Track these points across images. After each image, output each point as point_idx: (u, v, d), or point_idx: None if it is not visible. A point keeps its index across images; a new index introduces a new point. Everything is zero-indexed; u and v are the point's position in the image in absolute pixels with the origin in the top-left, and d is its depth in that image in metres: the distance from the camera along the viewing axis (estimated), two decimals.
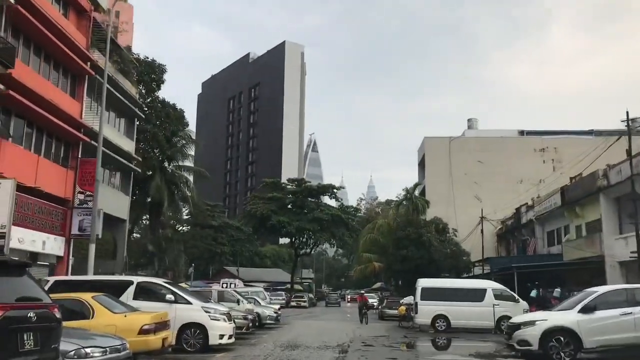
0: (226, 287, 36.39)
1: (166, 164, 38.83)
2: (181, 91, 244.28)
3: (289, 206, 70.24)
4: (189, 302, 14.35)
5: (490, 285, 23.96)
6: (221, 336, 14.62)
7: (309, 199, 69.22)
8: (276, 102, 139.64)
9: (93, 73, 25.29)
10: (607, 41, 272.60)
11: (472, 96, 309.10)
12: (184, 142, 39.01)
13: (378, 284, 60.70)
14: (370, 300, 58.23)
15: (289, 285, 71.37)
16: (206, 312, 14.56)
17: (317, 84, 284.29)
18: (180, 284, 19.94)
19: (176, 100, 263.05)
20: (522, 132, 59.86)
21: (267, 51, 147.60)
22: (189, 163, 40.24)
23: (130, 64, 31.64)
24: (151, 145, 36.70)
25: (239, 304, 22.31)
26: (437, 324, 23.55)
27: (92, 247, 20.44)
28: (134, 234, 40.34)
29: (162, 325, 11.71)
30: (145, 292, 14.08)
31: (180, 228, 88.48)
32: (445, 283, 25.41)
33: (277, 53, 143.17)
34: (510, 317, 19.09)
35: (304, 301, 52.93)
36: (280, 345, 16.86)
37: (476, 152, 56.17)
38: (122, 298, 13.13)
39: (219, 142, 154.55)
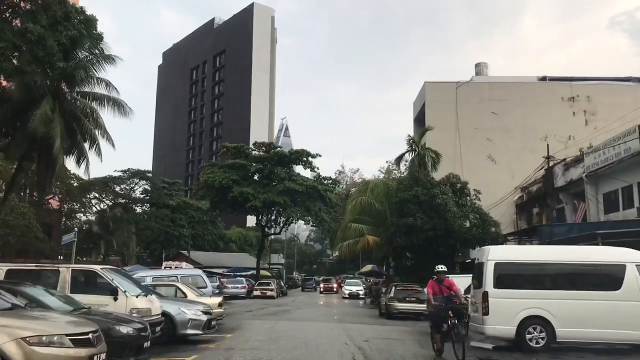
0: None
1: (64, 88, 26.08)
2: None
3: (255, 177, 57.94)
4: None
5: (632, 257, 12.16)
6: None
7: (279, 167, 56.92)
8: (244, 70, 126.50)
9: None
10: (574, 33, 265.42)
11: None
12: (91, 57, 26.24)
13: (368, 267, 48.79)
14: (351, 289, 47.28)
15: (255, 272, 59.24)
16: None
17: (288, 72, 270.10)
18: None
19: (143, 85, 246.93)
20: (543, 78, 48.38)
21: (234, 15, 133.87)
22: (101, 90, 27.34)
23: None
24: (35, 54, 23.85)
25: (117, 299, 10.29)
26: (529, 336, 11.80)
27: None
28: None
29: None
30: None
31: (133, 206, 77.62)
32: (541, 254, 13.13)
33: (245, 16, 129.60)
34: None
35: (271, 289, 40.81)
36: None
37: (489, 101, 44.69)
38: None
39: (180, 116, 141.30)
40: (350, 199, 38.10)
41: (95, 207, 74.23)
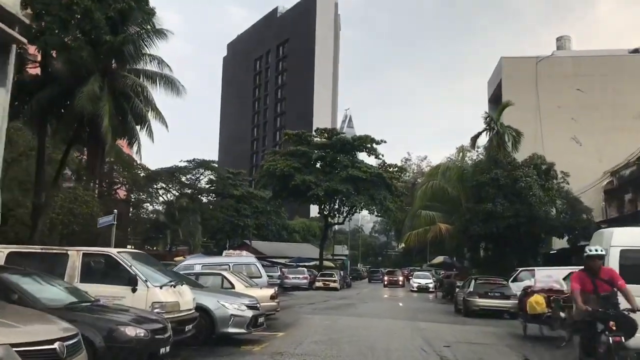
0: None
1: (114, 65, 24.66)
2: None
3: (317, 165, 55.83)
4: None
5: None
6: None
7: (342, 154, 54.50)
8: (307, 60, 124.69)
9: None
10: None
11: None
12: (142, 32, 24.66)
13: (440, 258, 45.57)
14: (420, 281, 44.26)
15: (317, 263, 57.26)
16: None
17: (352, 62, 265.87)
18: None
19: (209, 79, 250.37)
20: (635, 51, 43.36)
21: (297, 3, 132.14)
22: (153, 68, 25.78)
23: None
24: (82, 28, 22.48)
25: (136, 290, 8.20)
26: None
27: None
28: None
29: None
30: None
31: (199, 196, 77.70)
32: None
33: (308, 4, 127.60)
34: None
35: (334, 281, 38.55)
36: None
37: (573, 77, 40.37)
38: None
39: (244, 108, 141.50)
40: (420, 184, 35.17)
41: (163, 197, 75.01)
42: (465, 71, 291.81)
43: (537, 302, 12.28)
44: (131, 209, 67.48)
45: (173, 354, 7.73)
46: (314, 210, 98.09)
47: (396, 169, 57.59)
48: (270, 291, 14.63)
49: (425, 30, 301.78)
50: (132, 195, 63.44)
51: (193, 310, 9.27)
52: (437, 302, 29.31)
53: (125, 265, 8.52)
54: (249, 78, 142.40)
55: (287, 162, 52.92)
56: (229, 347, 10.07)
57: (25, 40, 15.64)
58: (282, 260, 56.08)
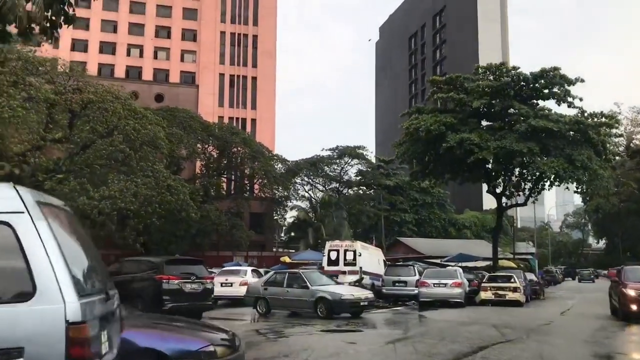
0: None
1: None
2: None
3: (481, 120, 39.13)
4: None
5: None
6: None
7: (516, 102, 36.90)
8: (468, 27, 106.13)
9: None
10: None
11: None
12: None
13: None
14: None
15: (491, 262, 39.95)
16: None
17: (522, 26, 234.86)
18: None
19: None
20: None
21: None
22: None
23: None
24: None
25: None
26: None
27: None
28: None
29: None
30: None
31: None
32: None
33: None
34: None
35: (514, 288, 21.64)
36: None
37: None
38: None
39: (400, 92, 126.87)
40: None
41: (308, 193, 65.52)
42: None
43: None
44: (276, 210, 58.89)
45: None
46: (487, 202, 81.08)
47: (603, 118, 37.82)
48: None
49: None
50: (265, 190, 54.47)
51: None
52: None
53: None
54: (403, 59, 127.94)
55: (435, 118, 36.84)
56: None
57: None
58: (437, 260, 40.69)
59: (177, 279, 13.32)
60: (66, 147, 30.66)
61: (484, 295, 21.94)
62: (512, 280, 22.39)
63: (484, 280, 23.69)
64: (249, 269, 22.00)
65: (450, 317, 15.81)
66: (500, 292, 21.65)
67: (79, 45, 65.25)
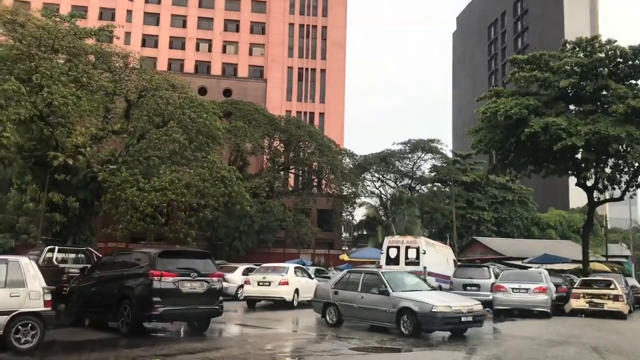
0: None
1: None
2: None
3: (570, 105, 34.68)
4: None
5: None
6: None
7: (612, 81, 32.25)
8: (553, 10, 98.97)
9: None
10: None
11: None
12: None
13: None
14: None
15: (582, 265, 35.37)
16: None
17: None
18: None
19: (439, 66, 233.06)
20: None
21: None
22: None
23: None
24: None
25: None
26: None
27: None
28: None
29: None
30: None
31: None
32: None
33: None
34: None
35: (614, 297, 17.79)
36: None
37: None
38: None
39: (479, 84, 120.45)
40: None
41: (378, 190, 63.09)
42: None
43: None
44: (345, 206, 56.87)
45: None
46: (574, 199, 74.84)
47: None
48: None
49: None
50: (332, 185, 52.86)
51: None
52: None
53: None
54: (482, 49, 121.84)
55: (517, 100, 32.90)
56: None
57: None
58: (518, 262, 36.84)
59: (173, 276, 10.73)
60: (122, 138, 30.03)
61: (576, 303, 18.24)
62: (612, 286, 18.48)
63: (575, 285, 19.90)
64: (292, 266, 19.48)
65: (532, 333, 12.59)
66: (597, 301, 17.89)
67: (149, 41, 65.64)
